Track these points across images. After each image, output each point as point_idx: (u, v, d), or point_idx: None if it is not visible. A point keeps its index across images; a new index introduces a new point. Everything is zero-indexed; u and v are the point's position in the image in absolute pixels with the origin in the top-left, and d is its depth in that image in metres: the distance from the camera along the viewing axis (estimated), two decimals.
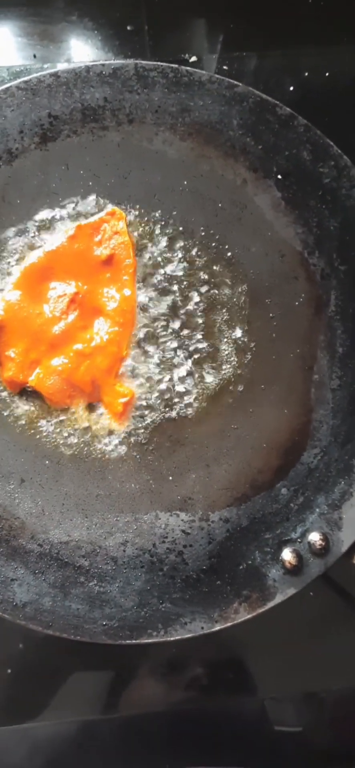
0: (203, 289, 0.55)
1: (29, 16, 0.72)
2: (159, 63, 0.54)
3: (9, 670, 0.59)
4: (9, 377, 0.52)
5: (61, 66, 0.65)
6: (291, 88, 0.64)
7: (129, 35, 0.72)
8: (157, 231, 0.55)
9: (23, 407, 0.53)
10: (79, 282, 0.53)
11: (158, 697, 0.62)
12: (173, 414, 0.54)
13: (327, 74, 0.65)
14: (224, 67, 0.64)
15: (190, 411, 0.54)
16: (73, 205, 0.54)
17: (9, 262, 0.54)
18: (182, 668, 0.62)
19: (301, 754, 0.65)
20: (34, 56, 0.71)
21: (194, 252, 0.55)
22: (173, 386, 0.54)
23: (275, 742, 0.65)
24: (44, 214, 0.54)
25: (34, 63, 0.69)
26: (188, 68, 0.54)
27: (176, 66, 0.54)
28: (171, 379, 0.54)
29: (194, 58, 0.65)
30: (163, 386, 0.54)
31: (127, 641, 0.51)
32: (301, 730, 0.65)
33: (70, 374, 0.52)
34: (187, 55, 0.65)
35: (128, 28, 0.72)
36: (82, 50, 0.72)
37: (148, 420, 0.54)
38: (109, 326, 0.53)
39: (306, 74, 0.64)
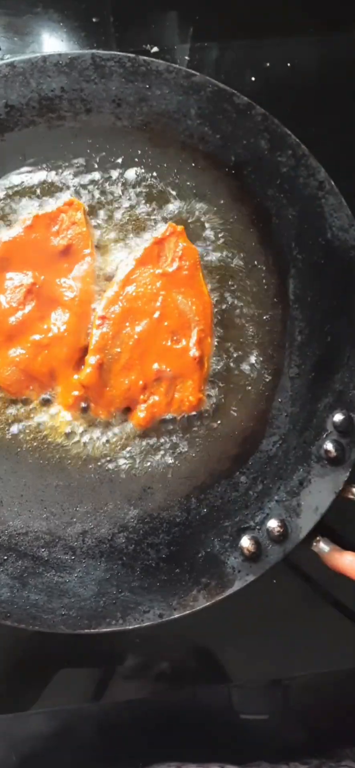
0: None
1: None
2: (116, 53, 0.54)
3: None
4: None
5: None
6: (252, 79, 0.64)
7: (95, 27, 0.72)
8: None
9: None
10: (36, 272, 0.53)
11: (124, 690, 0.62)
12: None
13: (289, 65, 0.65)
14: (186, 58, 0.64)
15: None
16: (29, 195, 0.54)
17: None
18: (145, 660, 0.62)
19: (267, 742, 0.66)
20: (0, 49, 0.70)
21: None
22: None
23: (241, 730, 0.65)
24: (0, 204, 0.54)
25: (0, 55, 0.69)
26: (146, 58, 0.54)
27: (133, 56, 0.54)
28: None
29: (155, 49, 0.65)
30: None
31: (86, 630, 0.51)
32: (267, 717, 0.65)
33: (28, 365, 0.52)
34: (149, 46, 0.65)
35: (94, 20, 0.72)
36: (47, 42, 0.71)
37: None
38: (67, 317, 0.53)
39: (267, 65, 0.65)
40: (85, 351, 0.53)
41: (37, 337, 0.52)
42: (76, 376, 0.53)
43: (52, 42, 0.71)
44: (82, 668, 0.62)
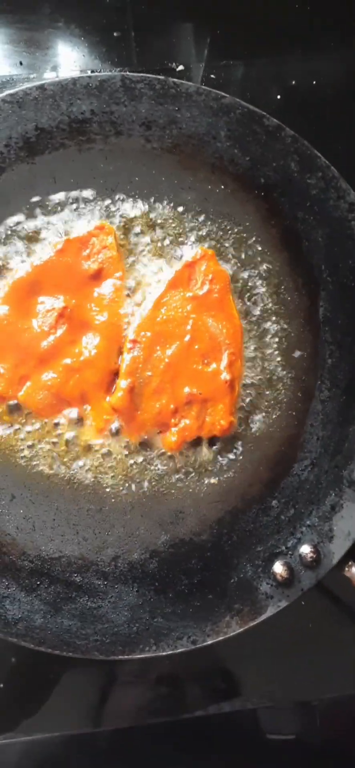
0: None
1: (15, 23, 0.71)
2: (146, 75, 0.54)
3: (1, 685, 0.59)
4: None
5: (48, 76, 0.65)
6: (278, 97, 0.64)
7: (116, 42, 0.71)
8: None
9: (10, 425, 0.53)
10: (67, 296, 0.52)
11: (151, 708, 0.62)
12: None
13: (314, 82, 0.64)
14: (212, 76, 0.64)
15: None
16: (60, 218, 0.54)
17: None
18: (174, 679, 0.62)
19: (293, 761, 0.65)
20: (21, 63, 0.70)
21: None
22: None
23: (268, 750, 0.65)
24: (32, 227, 0.54)
25: (21, 71, 0.69)
26: (175, 80, 0.54)
27: (164, 78, 0.54)
28: None
29: (181, 67, 0.65)
30: None
31: (120, 656, 0.51)
32: (294, 737, 0.65)
33: (60, 389, 0.52)
34: (174, 64, 0.65)
35: (115, 34, 0.71)
36: (68, 57, 0.71)
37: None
38: (97, 340, 0.53)
39: (293, 82, 0.64)
40: (116, 374, 0.53)
41: (68, 361, 0.52)
42: (108, 399, 0.53)
43: (74, 57, 0.71)
44: (104, 688, 0.62)
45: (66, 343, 0.53)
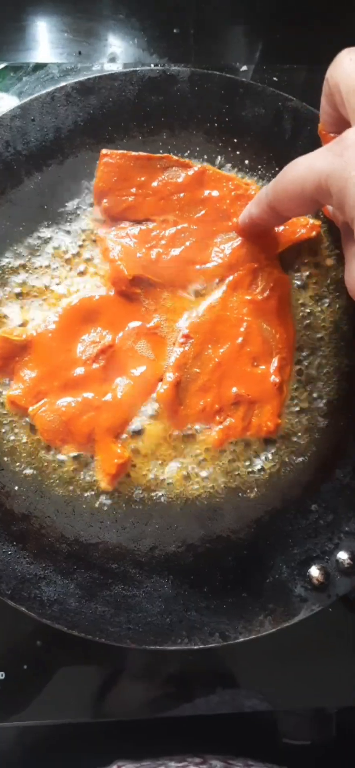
0: None
1: (76, 12, 0.72)
2: (214, 72, 0.54)
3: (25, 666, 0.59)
4: (13, 397, 0.52)
5: (107, 67, 0.66)
6: None
7: (175, 38, 0.72)
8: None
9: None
10: (116, 336, 0.53)
11: (167, 701, 0.62)
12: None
13: None
14: (274, 79, 0.64)
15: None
16: None
17: (52, 263, 0.54)
18: (193, 678, 0.62)
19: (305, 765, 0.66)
20: (80, 53, 0.71)
21: None
22: None
23: (281, 753, 0.65)
24: (91, 219, 0.54)
25: (80, 60, 0.69)
26: (244, 80, 0.55)
27: (232, 76, 0.55)
28: None
29: (244, 68, 0.65)
30: None
31: (152, 647, 0.51)
32: (309, 743, 0.65)
33: (70, 419, 0.52)
34: (237, 64, 0.65)
35: (175, 30, 0.72)
36: (126, 50, 0.71)
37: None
38: (127, 389, 0.53)
39: None
40: (127, 424, 0.53)
41: (89, 395, 0.52)
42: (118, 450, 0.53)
43: (132, 50, 0.71)
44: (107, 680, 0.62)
45: (95, 379, 0.52)
